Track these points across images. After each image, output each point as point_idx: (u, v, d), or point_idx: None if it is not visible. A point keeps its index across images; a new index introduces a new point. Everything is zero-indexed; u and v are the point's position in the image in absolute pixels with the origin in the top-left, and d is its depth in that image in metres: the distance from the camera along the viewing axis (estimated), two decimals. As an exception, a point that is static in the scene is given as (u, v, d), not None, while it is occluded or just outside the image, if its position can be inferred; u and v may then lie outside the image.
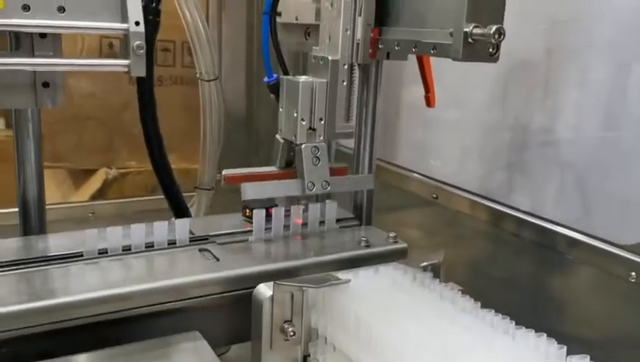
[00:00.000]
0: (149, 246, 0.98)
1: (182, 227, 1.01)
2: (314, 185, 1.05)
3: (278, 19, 1.16)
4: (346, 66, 1.04)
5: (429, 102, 1.09)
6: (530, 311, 1.18)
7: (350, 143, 1.17)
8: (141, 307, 0.86)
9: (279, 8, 1.15)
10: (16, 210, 1.10)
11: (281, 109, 1.09)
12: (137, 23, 0.90)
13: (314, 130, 1.04)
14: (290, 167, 1.10)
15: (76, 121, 1.84)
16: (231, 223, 1.10)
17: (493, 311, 0.80)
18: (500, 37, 0.79)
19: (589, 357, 0.69)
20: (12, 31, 0.91)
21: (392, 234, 1.08)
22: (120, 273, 0.91)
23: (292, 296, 0.85)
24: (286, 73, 1.15)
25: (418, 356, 0.72)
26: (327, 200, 1.24)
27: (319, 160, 1.05)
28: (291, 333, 0.85)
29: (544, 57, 1.16)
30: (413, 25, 0.94)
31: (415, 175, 1.49)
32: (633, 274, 0.99)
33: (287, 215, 1.07)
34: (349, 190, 1.15)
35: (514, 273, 1.25)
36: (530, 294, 1.21)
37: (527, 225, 1.18)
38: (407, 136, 1.54)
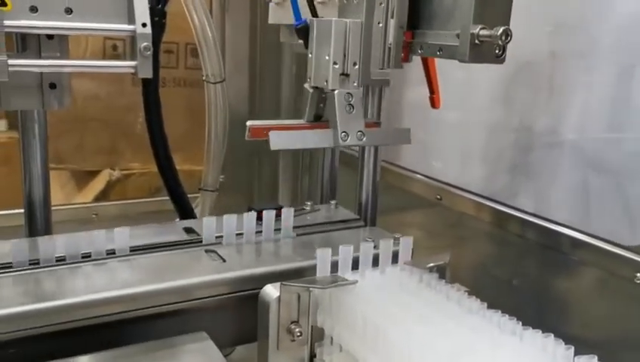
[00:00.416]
0: (156, 247, 0.98)
1: (188, 227, 1.01)
2: (348, 136, 0.95)
3: (280, 20, 1.15)
4: (382, 5, 0.94)
5: (433, 103, 1.09)
6: (534, 312, 1.18)
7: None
8: (148, 308, 0.86)
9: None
10: (20, 211, 1.10)
11: (310, 55, 0.97)
12: (144, 25, 0.90)
13: (347, 75, 0.94)
14: (320, 120, 1.01)
15: (79, 123, 1.84)
16: (237, 224, 1.10)
17: (500, 311, 0.80)
18: (506, 38, 0.79)
19: (596, 358, 0.69)
20: (20, 32, 0.91)
21: (396, 236, 1.08)
22: (127, 274, 0.91)
23: (299, 296, 0.85)
24: (315, 16, 1.02)
25: (425, 357, 0.72)
26: (331, 202, 1.24)
27: (353, 108, 0.94)
28: (298, 334, 0.85)
29: (548, 59, 1.16)
30: (419, 27, 0.95)
31: (419, 176, 1.49)
32: (639, 275, 1.00)
33: (296, 216, 1.07)
34: (386, 143, 1.08)
35: (518, 274, 1.25)
36: (534, 296, 1.21)
37: (532, 227, 1.18)
38: (412, 137, 1.54)
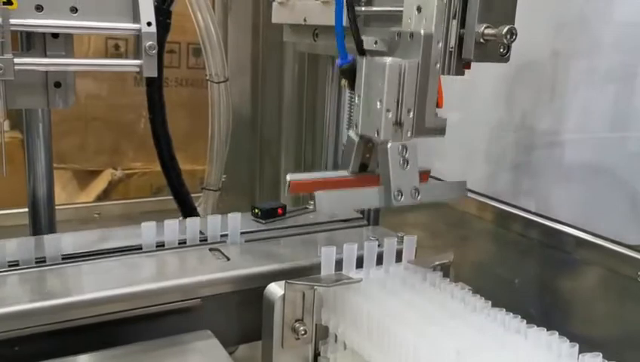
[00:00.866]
0: (160, 246, 0.99)
1: (192, 226, 1.02)
2: (401, 195, 0.84)
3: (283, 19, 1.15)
4: (440, 45, 0.83)
5: (437, 102, 1.09)
6: (538, 311, 1.18)
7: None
8: (153, 306, 0.86)
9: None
10: (22, 210, 1.10)
11: (356, 100, 0.86)
12: (149, 24, 0.90)
13: (401, 124, 0.83)
14: (365, 171, 0.93)
15: (81, 122, 1.85)
16: (241, 223, 1.10)
17: (504, 310, 0.80)
18: (511, 37, 0.79)
19: (601, 356, 0.69)
20: (26, 31, 0.92)
21: (400, 234, 1.08)
22: (131, 272, 0.91)
23: (303, 294, 0.85)
24: (362, 54, 0.93)
25: (431, 355, 0.72)
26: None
27: (407, 162, 0.84)
28: (302, 332, 0.85)
29: (550, 59, 1.16)
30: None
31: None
32: (642, 273, 1.00)
33: (299, 215, 1.07)
34: (442, 200, 0.96)
35: (521, 273, 1.25)
36: (537, 294, 1.21)
37: (535, 226, 1.19)
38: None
